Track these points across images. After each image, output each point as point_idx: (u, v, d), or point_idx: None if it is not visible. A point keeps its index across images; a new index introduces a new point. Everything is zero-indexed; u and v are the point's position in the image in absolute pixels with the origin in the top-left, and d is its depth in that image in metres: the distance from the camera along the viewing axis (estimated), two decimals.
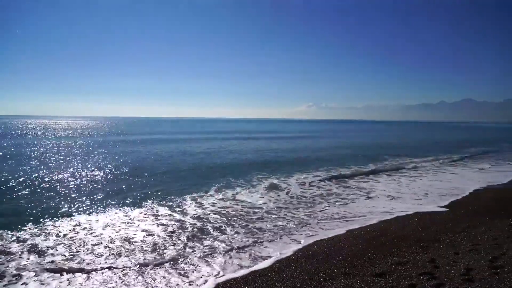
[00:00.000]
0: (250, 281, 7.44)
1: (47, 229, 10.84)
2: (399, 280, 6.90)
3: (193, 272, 8.11)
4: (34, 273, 7.87)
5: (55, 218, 12.00)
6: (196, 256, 9.00)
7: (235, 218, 12.40)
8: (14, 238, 10.07)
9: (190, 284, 7.51)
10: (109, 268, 8.22)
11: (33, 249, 9.25)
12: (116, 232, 10.72)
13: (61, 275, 7.84)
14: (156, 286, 7.40)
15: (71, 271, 8.04)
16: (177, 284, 7.49)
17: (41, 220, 11.80)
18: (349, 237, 10.29)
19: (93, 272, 7.97)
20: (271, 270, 8.04)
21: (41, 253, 9.01)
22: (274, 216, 12.82)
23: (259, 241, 10.17)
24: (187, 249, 9.49)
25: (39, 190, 16.54)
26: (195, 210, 13.48)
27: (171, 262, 8.61)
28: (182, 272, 8.10)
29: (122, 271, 8.05)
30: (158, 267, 8.31)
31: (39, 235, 10.29)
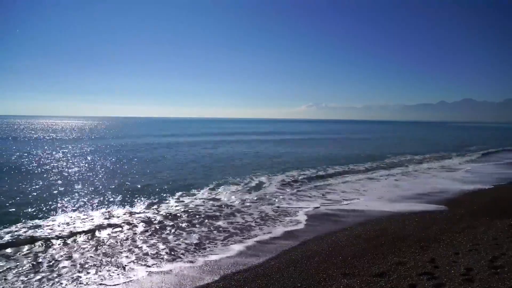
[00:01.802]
0: (250, 281, 7.44)
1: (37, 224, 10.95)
2: (399, 280, 6.90)
3: (186, 270, 8.13)
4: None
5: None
6: (191, 255, 9.04)
7: (203, 217, 12.62)
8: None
9: (189, 282, 7.53)
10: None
11: None
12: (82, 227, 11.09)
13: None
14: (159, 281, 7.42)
15: None
16: (175, 279, 7.51)
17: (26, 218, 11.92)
18: (349, 237, 10.28)
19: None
20: (271, 270, 8.03)
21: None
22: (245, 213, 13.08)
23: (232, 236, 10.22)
24: (180, 246, 9.53)
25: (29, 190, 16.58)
26: (188, 208, 13.55)
27: (164, 261, 8.64)
28: (171, 270, 8.12)
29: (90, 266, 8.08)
30: (142, 267, 8.34)
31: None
